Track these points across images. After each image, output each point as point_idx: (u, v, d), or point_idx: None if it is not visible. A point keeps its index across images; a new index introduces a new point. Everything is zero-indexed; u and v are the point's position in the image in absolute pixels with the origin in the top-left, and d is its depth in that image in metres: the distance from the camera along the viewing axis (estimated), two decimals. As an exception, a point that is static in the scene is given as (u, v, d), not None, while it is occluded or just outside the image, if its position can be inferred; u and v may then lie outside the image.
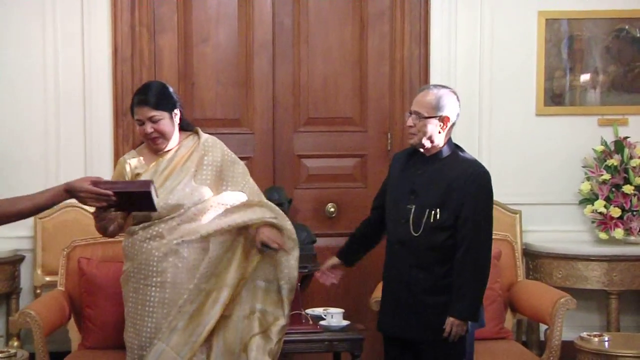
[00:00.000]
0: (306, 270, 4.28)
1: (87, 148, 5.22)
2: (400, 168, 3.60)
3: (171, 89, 3.72)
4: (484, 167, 3.54)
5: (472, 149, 5.35)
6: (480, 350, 4.12)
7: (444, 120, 3.46)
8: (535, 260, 5.24)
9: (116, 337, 3.91)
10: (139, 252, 3.59)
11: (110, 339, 4.12)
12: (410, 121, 3.49)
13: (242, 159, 3.88)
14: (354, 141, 5.48)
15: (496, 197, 5.28)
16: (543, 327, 4.87)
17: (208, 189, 3.63)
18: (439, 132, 3.47)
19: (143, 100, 3.61)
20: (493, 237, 4.51)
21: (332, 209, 5.30)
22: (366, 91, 5.46)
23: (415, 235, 3.46)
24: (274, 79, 5.41)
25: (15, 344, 4.83)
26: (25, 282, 5.17)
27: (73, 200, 5.03)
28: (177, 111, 3.67)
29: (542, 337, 5.05)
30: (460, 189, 3.39)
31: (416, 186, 3.50)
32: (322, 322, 4.12)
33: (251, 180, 3.79)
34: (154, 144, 3.65)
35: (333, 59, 5.44)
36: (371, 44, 5.44)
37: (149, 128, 3.60)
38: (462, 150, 3.59)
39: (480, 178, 3.46)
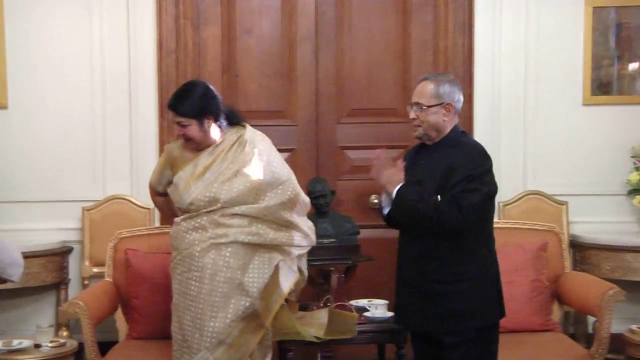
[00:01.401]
0: (350, 262, 4.27)
1: (132, 139, 5.28)
2: (410, 164, 3.53)
3: (210, 94, 3.71)
4: (483, 149, 3.44)
5: (517, 140, 5.37)
6: (527, 342, 4.14)
7: (446, 107, 3.41)
8: (583, 252, 5.18)
9: (162, 327, 3.94)
10: (182, 242, 3.63)
11: (156, 329, 4.14)
12: (412, 113, 3.46)
13: (285, 150, 3.89)
14: (397, 132, 5.44)
15: (542, 187, 5.32)
16: (591, 319, 4.81)
17: (246, 186, 3.63)
18: (444, 121, 3.42)
19: (171, 105, 3.69)
20: (539, 228, 4.57)
21: (375, 200, 5.27)
22: (409, 81, 5.40)
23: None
24: (317, 70, 5.41)
25: (65, 333, 4.90)
26: (73, 273, 5.24)
27: (119, 192, 5.19)
28: (209, 118, 3.67)
29: (590, 330, 4.99)
30: (456, 172, 3.30)
31: (421, 176, 3.43)
32: (366, 314, 4.10)
33: (292, 182, 3.78)
34: (186, 146, 3.73)
35: (376, 50, 5.43)
36: (414, 34, 5.41)
37: (178, 130, 3.69)
38: (466, 135, 3.54)
39: (477, 158, 3.36)
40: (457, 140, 3.43)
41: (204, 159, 3.69)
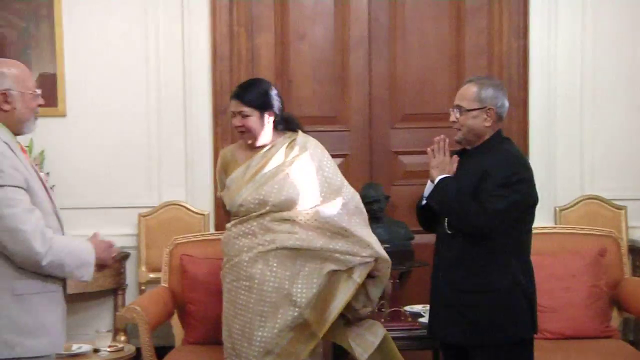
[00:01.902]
0: (404, 268, 4.26)
1: (187, 145, 5.32)
2: None
3: (274, 92, 3.76)
4: (522, 158, 3.35)
5: (573, 144, 5.33)
6: (585, 348, 4.10)
7: (488, 112, 3.29)
8: (642, 257, 5.11)
9: (217, 333, 3.94)
10: (232, 248, 3.65)
11: (211, 335, 4.16)
12: (452, 116, 3.36)
13: (338, 156, 3.89)
14: (451, 137, 5.39)
15: (600, 192, 5.26)
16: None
17: (296, 190, 3.62)
18: (485, 126, 3.31)
19: (237, 94, 3.72)
20: (597, 233, 4.51)
21: (429, 206, 5.25)
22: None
23: (450, 232, 3.32)
24: (370, 75, 5.41)
25: (122, 338, 4.95)
26: (130, 278, 5.31)
27: (174, 198, 5.24)
28: (270, 113, 3.70)
29: (650, 337, 4.92)
30: (491, 175, 3.20)
31: (457, 181, 3.34)
32: (421, 319, 4.08)
33: (347, 188, 3.75)
34: (241, 137, 3.75)
35: (429, 55, 5.43)
36: (468, 38, 5.41)
37: (237, 121, 3.70)
38: (509, 142, 3.41)
39: (513, 166, 3.24)
40: (496, 147, 3.32)
41: (256, 161, 3.71)
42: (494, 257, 3.23)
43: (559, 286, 4.28)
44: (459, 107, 3.34)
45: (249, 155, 3.75)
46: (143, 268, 5.22)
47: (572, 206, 5.29)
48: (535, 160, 5.28)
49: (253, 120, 3.67)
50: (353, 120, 5.42)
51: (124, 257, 5.24)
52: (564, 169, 5.32)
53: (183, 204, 5.29)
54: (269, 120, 3.71)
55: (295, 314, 3.52)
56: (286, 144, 3.74)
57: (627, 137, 5.35)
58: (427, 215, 3.50)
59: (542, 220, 5.18)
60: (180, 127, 5.33)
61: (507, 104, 3.36)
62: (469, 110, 3.31)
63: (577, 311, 4.24)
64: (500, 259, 3.23)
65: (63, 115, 5.34)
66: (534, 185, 3.31)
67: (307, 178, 3.64)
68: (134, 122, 5.35)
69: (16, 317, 2.86)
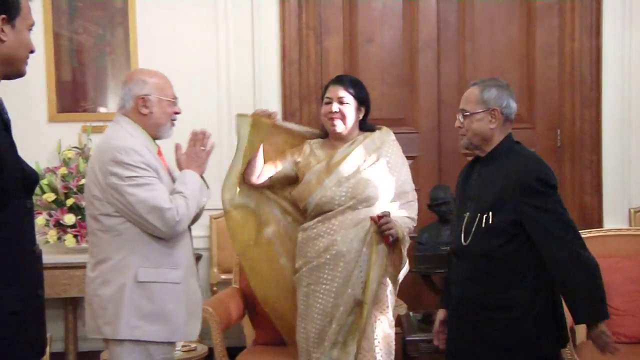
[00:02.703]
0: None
1: None
2: (463, 179, 3.31)
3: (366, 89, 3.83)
4: (537, 164, 3.10)
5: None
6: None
7: (492, 113, 3.13)
8: None
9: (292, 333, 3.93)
10: (312, 250, 3.64)
11: (281, 336, 4.12)
12: (457, 121, 3.22)
13: (407, 158, 3.90)
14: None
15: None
16: None
17: (376, 187, 3.64)
18: (491, 128, 3.13)
19: (340, 81, 3.76)
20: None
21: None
22: (534, 87, 5.41)
23: (465, 244, 3.13)
24: (439, 77, 5.41)
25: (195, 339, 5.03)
26: (202, 279, 5.37)
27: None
28: (363, 108, 3.76)
29: None
30: (509, 190, 3.02)
31: (472, 192, 3.19)
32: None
33: (412, 192, 3.77)
34: (331, 124, 3.72)
35: (499, 55, 5.41)
36: (539, 38, 5.38)
37: (334, 107, 3.70)
38: (520, 146, 3.21)
39: (531, 181, 3.01)
40: (510, 153, 3.14)
41: (338, 156, 3.72)
42: (512, 270, 3.04)
43: (635, 289, 4.22)
44: (463, 110, 3.20)
45: (328, 153, 3.76)
46: (215, 269, 5.29)
47: (647, 207, 5.20)
48: (609, 161, 5.28)
49: (350, 108, 3.71)
50: (422, 122, 5.41)
51: (196, 258, 5.31)
52: (638, 169, 5.26)
53: (253, 206, 5.34)
54: (360, 114, 3.75)
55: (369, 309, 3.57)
56: (366, 142, 3.75)
57: None
58: None
59: (616, 221, 5.16)
60: (250, 129, 5.39)
61: (513, 104, 3.19)
62: (472, 114, 3.16)
63: (655, 315, 4.15)
64: (519, 272, 3.04)
65: (137, 118, 5.45)
66: (554, 184, 3.08)
67: (384, 177, 3.65)
68: (205, 124, 5.30)
69: (138, 303, 3.11)
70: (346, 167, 3.68)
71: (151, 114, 3.23)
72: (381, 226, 3.51)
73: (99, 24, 5.44)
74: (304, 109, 5.43)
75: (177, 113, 3.33)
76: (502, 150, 3.15)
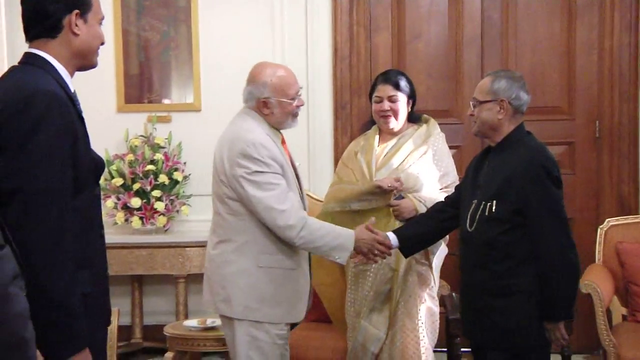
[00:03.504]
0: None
1: (310, 139, 5.42)
2: (474, 167, 3.28)
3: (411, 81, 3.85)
4: (544, 155, 3.07)
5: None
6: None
7: (501, 104, 3.09)
8: None
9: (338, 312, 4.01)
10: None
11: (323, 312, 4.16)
12: (470, 109, 3.22)
13: (451, 147, 3.93)
14: (563, 129, 5.39)
15: None
16: None
17: (422, 179, 3.67)
18: (499, 118, 3.10)
19: (388, 80, 3.78)
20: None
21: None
22: (574, 80, 5.36)
23: (470, 230, 3.13)
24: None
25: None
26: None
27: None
28: (410, 101, 3.80)
29: None
30: (515, 180, 3.01)
31: (481, 180, 3.17)
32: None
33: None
34: (384, 122, 3.77)
35: (541, 51, 5.37)
36: (579, 35, 5.33)
37: (386, 105, 3.73)
38: (530, 136, 3.18)
39: (534, 167, 3.00)
40: (519, 144, 3.11)
41: (390, 148, 3.78)
42: (513, 258, 3.03)
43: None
44: (474, 99, 3.19)
45: (380, 146, 3.80)
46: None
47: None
48: None
49: (401, 105, 3.75)
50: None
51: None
52: None
53: (308, 193, 5.37)
54: (409, 107, 3.79)
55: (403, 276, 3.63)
56: (414, 136, 3.78)
57: None
58: (453, 209, 3.36)
59: (640, 208, 5.12)
60: (303, 120, 5.34)
61: (524, 96, 3.13)
62: (482, 102, 3.14)
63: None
64: (520, 260, 3.03)
65: (198, 110, 5.52)
66: (559, 179, 3.06)
67: (431, 168, 3.69)
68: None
69: (256, 286, 3.19)
70: (397, 160, 3.72)
71: (272, 114, 3.27)
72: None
73: (164, 21, 5.52)
74: (354, 102, 5.45)
75: (299, 106, 3.33)
76: (512, 140, 3.12)
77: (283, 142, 3.37)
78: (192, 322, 4.25)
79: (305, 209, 3.34)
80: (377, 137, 3.83)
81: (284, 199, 3.14)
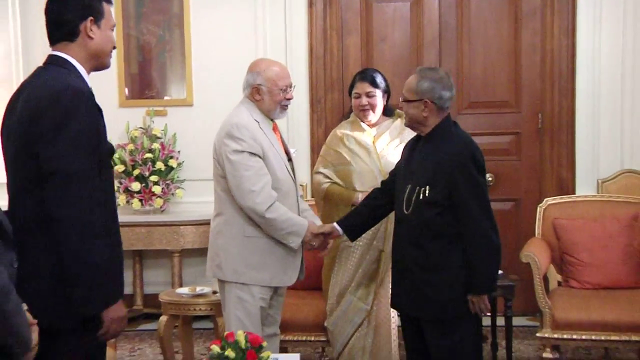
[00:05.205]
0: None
1: (289, 129, 5.35)
2: (407, 153, 3.21)
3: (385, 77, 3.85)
4: (471, 146, 3.02)
5: (615, 125, 5.28)
6: (621, 296, 4.10)
7: (425, 103, 3.02)
8: (673, 222, 5.03)
9: (316, 281, 4.02)
10: None
11: (310, 282, 4.01)
12: (400, 103, 3.18)
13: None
14: (510, 121, 5.46)
15: (636, 166, 5.18)
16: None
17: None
18: (425, 115, 3.03)
19: (365, 77, 3.77)
20: (632, 201, 4.49)
21: (490, 179, 5.28)
22: (520, 78, 5.40)
23: (407, 213, 3.05)
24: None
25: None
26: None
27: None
28: (385, 95, 3.81)
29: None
30: (445, 167, 2.96)
31: (413, 166, 3.11)
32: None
33: None
34: (364, 115, 3.77)
35: (491, 52, 5.43)
36: (524, 38, 5.39)
37: (364, 100, 3.74)
38: (457, 127, 3.10)
39: (462, 157, 2.96)
40: (446, 135, 3.04)
41: (367, 138, 3.77)
42: (445, 238, 2.99)
43: (599, 245, 4.29)
44: (402, 95, 3.12)
45: (360, 135, 3.78)
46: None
47: (612, 178, 5.23)
48: (582, 140, 5.30)
49: (377, 99, 3.75)
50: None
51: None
52: (606, 147, 5.26)
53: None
54: (384, 100, 3.80)
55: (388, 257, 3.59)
56: (391, 129, 3.79)
57: (661, 119, 5.28)
58: (387, 196, 3.29)
59: (587, 190, 5.22)
60: (285, 114, 5.47)
61: (447, 94, 3.03)
62: (408, 101, 3.08)
63: (614, 266, 4.23)
64: (451, 240, 2.99)
65: (191, 105, 5.55)
66: (483, 167, 3.01)
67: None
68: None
69: (244, 253, 3.24)
70: (378, 148, 3.75)
71: (262, 101, 3.29)
72: None
73: (160, 26, 5.53)
74: (328, 97, 5.47)
75: (288, 99, 3.33)
76: (439, 131, 3.06)
77: (275, 129, 3.38)
78: (183, 290, 4.26)
79: (297, 191, 3.37)
80: (362, 123, 3.80)
81: (256, 181, 3.14)
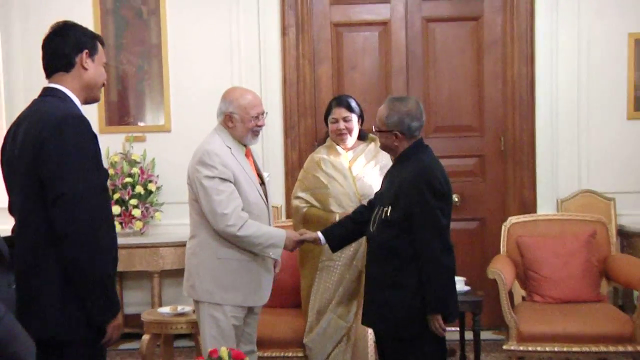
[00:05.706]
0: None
1: (264, 154, 5.37)
2: (385, 176, 3.28)
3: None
4: (429, 171, 3.02)
5: (573, 149, 5.37)
6: (580, 310, 4.17)
7: (395, 134, 3.07)
8: (629, 239, 5.17)
9: (294, 299, 4.07)
10: None
11: (288, 300, 4.18)
12: (372, 129, 3.25)
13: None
14: (474, 144, 5.53)
15: (593, 187, 5.31)
16: (637, 293, 4.80)
17: (372, 187, 3.71)
18: (395, 144, 3.09)
19: (341, 103, 3.82)
20: (590, 219, 4.57)
21: (456, 199, 5.35)
22: (483, 104, 5.49)
23: (371, 231, 3.13)
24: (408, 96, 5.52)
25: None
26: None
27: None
28: (361, 120, 3.86)
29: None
30: (404, 190, 3.00)
31: (383, 187, 3.21)
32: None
33: None
34: (340, 139, 3.80)
35: (456, 79, 5.51)
36: (487, 66, 5.48)
37: (341, 125, 3.78)
38: (423, 152, 3.12)
39: (417, 181, 2.98)
40: (411, 159, 3.07)
41: (344, 161, 3.80)
42: (401, 258, 3.00)
43: (559, 261, 4.37)
44: (374, 124, 3.18)
45: (336, 159, 3.81)
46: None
47: (571, 198, 5.33)
48: (542, 162, 5.39)
49: (354, 123, 3.78)
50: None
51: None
52: (565, 168, 5.35)
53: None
54: (360, 125, 3.84)
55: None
56: (366, 152, 3.84)
57: (616, 142, 5.37)
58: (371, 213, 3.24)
59: (547, 209, 5.31)
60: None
61: (415, 124, 3.07)
62: (380, 131, 3.14)
63: (574, 281, 4.30)
64: (407, 260, 3.00)
65: (169, 130, 5.55)
66: (440, 191, 3.00)
67: (379, 179, 3.61)
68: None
69: (217, 274, 3.26)
70: (354, 171, 3.79)
71: (235, 128, 3.30)
72: None
73: (139, 56, 5.54)
74: (301, 123, 5.49)
75: (259, 126, 3.34)
76: (405, 156, 3.11)
77: (248, 154, 3.39)
78: (165, 309, 4.27)
79: (269, 214, 3.39)
80: (338, 147, 3.82)
81: (227, 204, 3.15)
